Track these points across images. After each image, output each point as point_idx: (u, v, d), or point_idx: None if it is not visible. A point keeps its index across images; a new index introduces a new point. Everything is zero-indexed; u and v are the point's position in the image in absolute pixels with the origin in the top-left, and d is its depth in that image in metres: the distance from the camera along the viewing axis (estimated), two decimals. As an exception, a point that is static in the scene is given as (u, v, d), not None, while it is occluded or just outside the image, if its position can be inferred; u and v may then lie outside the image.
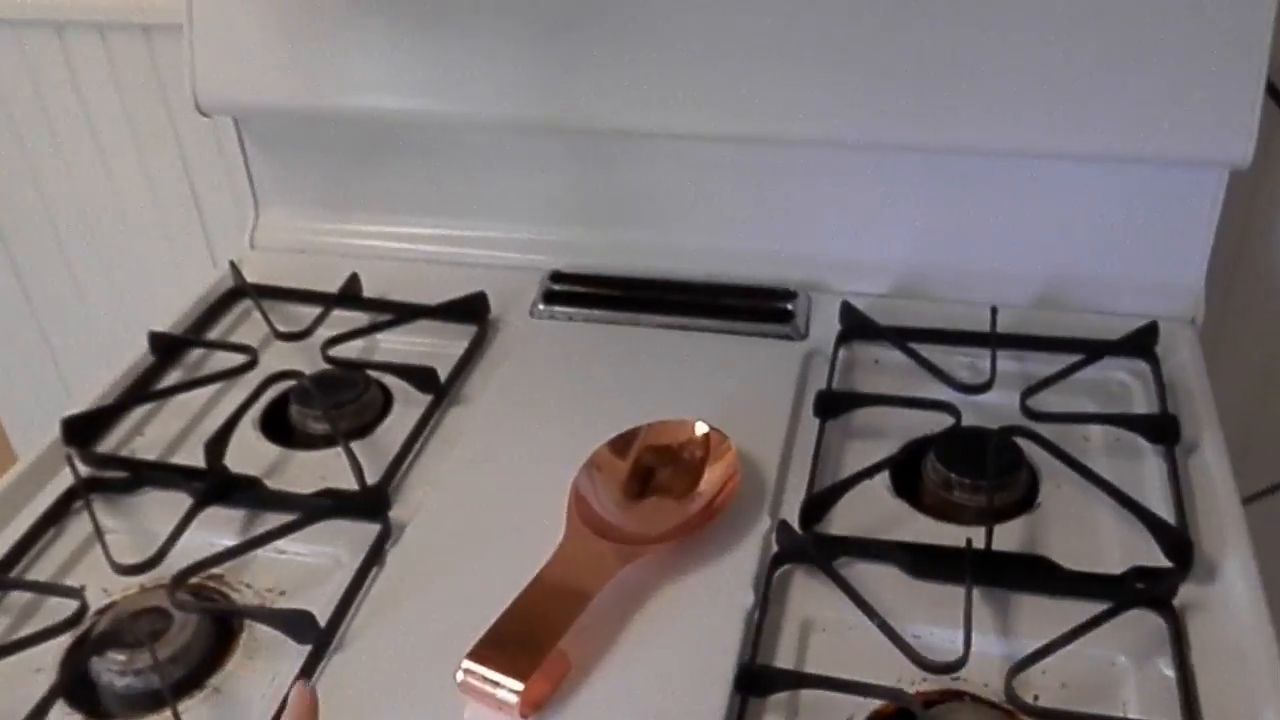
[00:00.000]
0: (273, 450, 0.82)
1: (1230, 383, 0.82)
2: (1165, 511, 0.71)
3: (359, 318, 0.93)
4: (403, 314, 0.92)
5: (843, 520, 0.73)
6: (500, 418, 0.83)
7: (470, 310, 0.92)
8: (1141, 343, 0.84)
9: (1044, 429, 0.76)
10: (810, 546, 0.69)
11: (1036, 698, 0.62)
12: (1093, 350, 0.83)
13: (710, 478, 0.73)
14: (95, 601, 0.70)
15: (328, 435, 0.82)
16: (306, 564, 0.72)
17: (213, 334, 0.95)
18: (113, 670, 0.64)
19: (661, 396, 0.82)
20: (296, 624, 0.65)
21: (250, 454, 0.81)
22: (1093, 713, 0.59)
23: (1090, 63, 0.81)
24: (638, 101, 0.88)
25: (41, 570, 0.73)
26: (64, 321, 1.32)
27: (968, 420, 0.78)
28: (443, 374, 0.85)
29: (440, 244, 1.01)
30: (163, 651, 0.64)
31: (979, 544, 0.69)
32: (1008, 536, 0.70)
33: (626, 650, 0.64)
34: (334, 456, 0.79)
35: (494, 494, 0.76)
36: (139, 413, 0.87)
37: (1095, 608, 0.64)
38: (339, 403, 0.84)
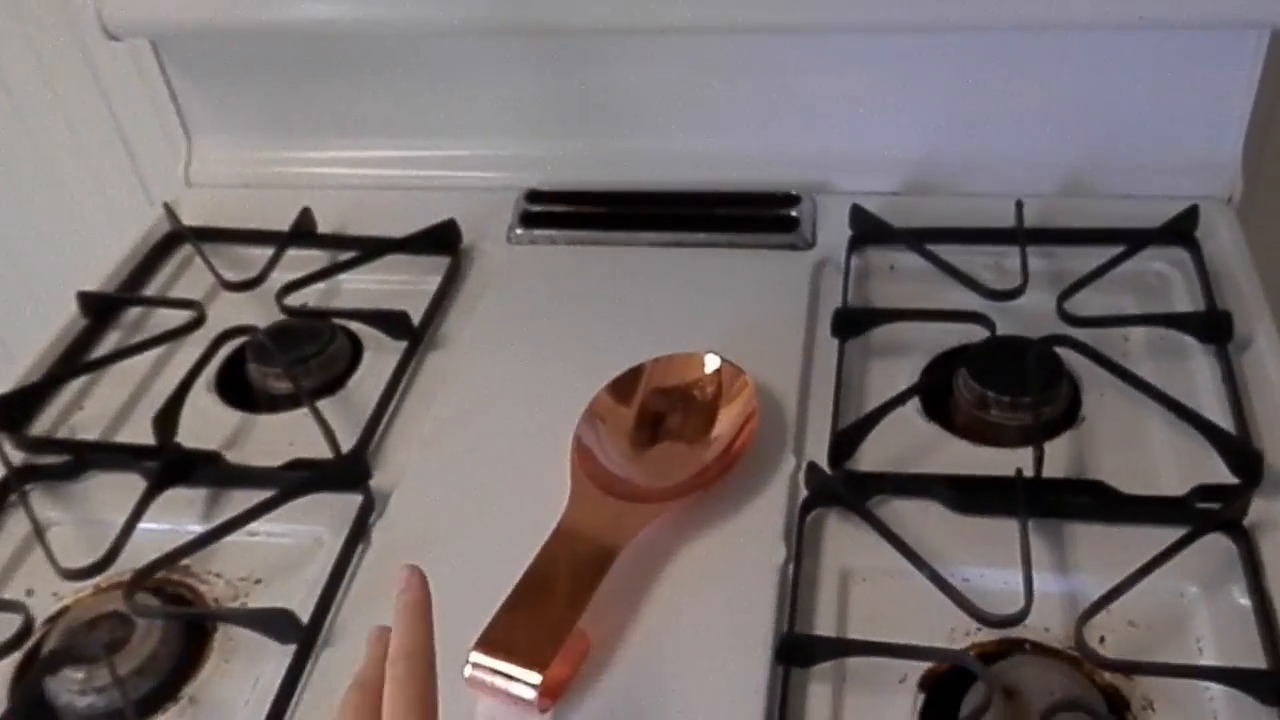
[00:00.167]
0: (233, 417, 0.75)
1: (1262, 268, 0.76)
2: (1223, 419, 0.66)
3: (316, 257, 0.86)
4: (365, 250, 0.85)
5: (873, 453, 0.67)
6: (484, 361, 0.76)
7: (440, 240, 0.85)
8: (1180, 229, 0.77)
9: (1084, 334, 0.70)
10: (843, 488, 0.63)
11: (1103, 639, 0.57)
12: (1133, 241, 0.76)
13: (726, 418, 0.67)
14: (43, 609, 0.63)
15: (293, 395, 0.74)
16: (283, 546, 0.66)
17: (151, 288, 0.87)
18: (71, 690, 0.57)
19: (660, 324, 0.76)
20: (276, 624, 0.58)
21: (207, 423, 0.74)
22: (1170, 663, 0.55)
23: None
24: (613, -6, 0.80)
25: (-25, 581, 0.66)
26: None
27: (1001, 329, 0.71)
28: (415, 316, 0.79)
29: (400, 167, 0.93)
30: (125, 664, 0.57)
31: (1024, 469, 0.63)
32: (1054, 458, 0.64)
33: (651, 623, 0.59)
34: (303, 418, 0.72)
35: (485, 451, 0.70)
36: (75, 386, 0.78)
37: (1159, 535, 0.59)
38: (301, 357, 0.76)
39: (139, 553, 0.63)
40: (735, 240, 0.83)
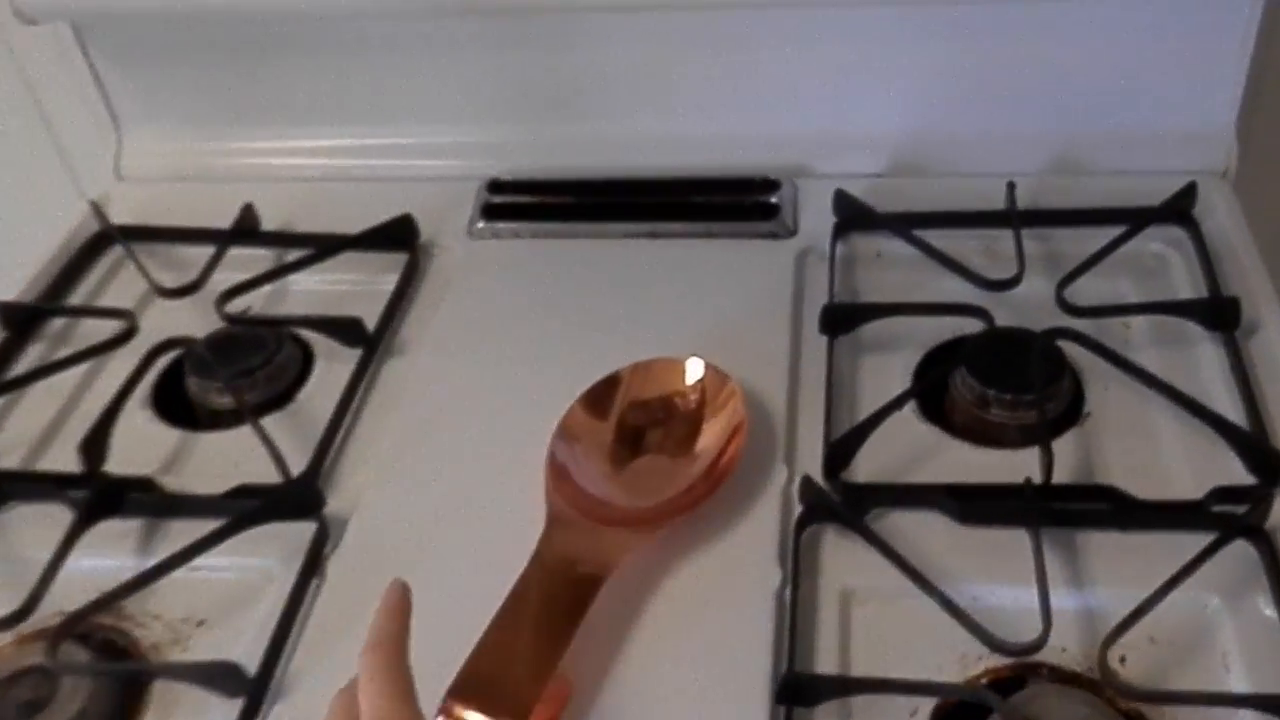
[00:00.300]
0: (171, 436, 0.70)
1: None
2: (1234, 411, 0.63)
3: (260, 257, 0.81)
4: (314, 248, 0.79)
5: (869, 460, 0.63)
6: (446, 369, 0.72)
7: (396, 236, 0.80)
8: (1178, 207, 0.73)
9: (1086, 325, 0.67)
10: (839, 503, 0.59)
11: (1124, 659, 0.53)
12: (1131, 221, 0.72)
13: (712, 430, 0.62)
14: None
15: (238, 410, 0.69)
16: (228, 581, 0.61)
17: (77, 296, 0.81)
18: (-7, 759, 0.51)
19: (635, 323, 0.72)
20: (220, 678, 0.53)
21: (142, 445, 0.69)
22: (1201, 690, 0.51)
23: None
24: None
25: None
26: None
27: (997, 320, 0.67)
28: (370, 320, 0.74)
29: (351, 156, 0.88)
30: (49, 728, 0.52)
31: (1030, 473, 0.59)
32: (1061, 459, 0.60)
33: (638, 662, 0.54)
34: (250, 435, 0.67)
35: (450, 470, 0.65)
36: (-7, 407, 0.73)
37: (1177, 541, 0.56)
38: (246, 369, 0.71)
39: (66, 595, 0.58)
40: (712, 229, 0.79)
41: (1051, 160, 0.80)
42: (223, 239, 0.80)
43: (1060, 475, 0.59)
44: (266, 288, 0.78)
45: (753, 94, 0.82)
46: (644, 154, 0.84)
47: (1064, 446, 0.62)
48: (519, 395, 0.68)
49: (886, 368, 0.68)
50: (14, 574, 0.60)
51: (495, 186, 0.84)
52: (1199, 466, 0.60)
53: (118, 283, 0.82)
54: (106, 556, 0.61)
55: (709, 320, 0.71)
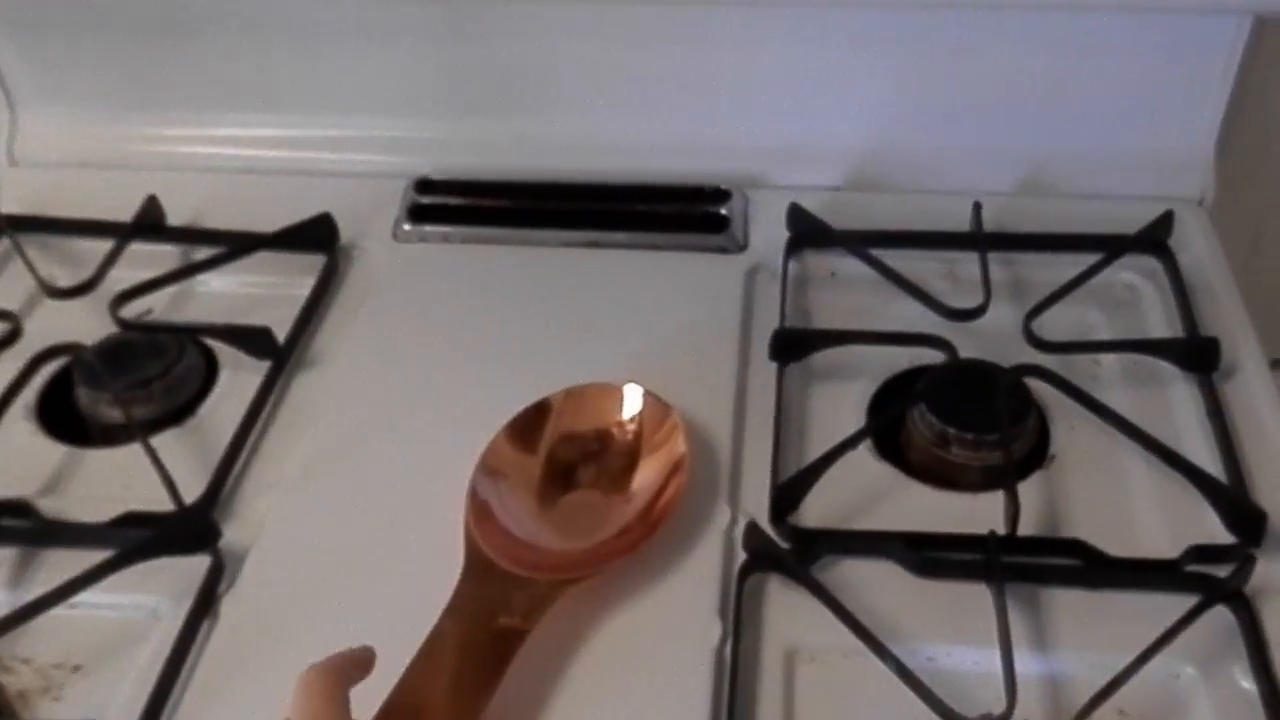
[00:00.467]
0: (56, 453, 0.64)
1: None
2: (1210, 460, 0.60)
3: (164, 255, 0.76)
4: (223, 247, 0.74)
5: (819, 500, 0.58)
6: (362, 385, 0.67)
7: (313, 237, 0.75)
8: (1154, 236, 0.70)
9: (1054, 361, 0.63)
10: (786, 553, 0.55)
11: None
12: (1104, 250, 0.69)
13: (651, 467, 0.57)
14: None
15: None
16: (109, 621, 0.55)
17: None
18: None
19: (570, 340, 0.68)
20: (90, 743, 0.47)
21: (23, 461, 0.63)
22: None
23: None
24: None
25: None
26: None
27: (959, 349, 0.64)
28: (282, 329, 0.69)
29: (268, 148, 0.83)
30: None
31: (993, 519, 0.55)
32: (1025, 505, 0.56)
33: (563, 727, 0.50)
34: (144, 453, 0.61)
35: (362, 499, 0.60)
36: None
37: (1148, 601, 0.53)
38: (141, 380, 0.66)
39: (-79, 638, 0.52)
40: (657, 241, 0.75)
41: (1020, 180, 0.78)
42: (123, 233, 0.75)
43: (1024, 524, 0.55)
44: (170, 289, 0.73)
45: (705, 97, 0.79)
46: (586, 157, 0.81)
47: (1027, 492, 0.58)
48: (442, 416, 0.64)
49: (840, 398, 0.64)
50: None
51: (424, 186, 0.81)
52: (1172, 519, 0.57)
53: (2, 280, 0.76)
54: (-28, 591, 0.56)
55: (650, 340, 0.67)
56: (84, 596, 0.54)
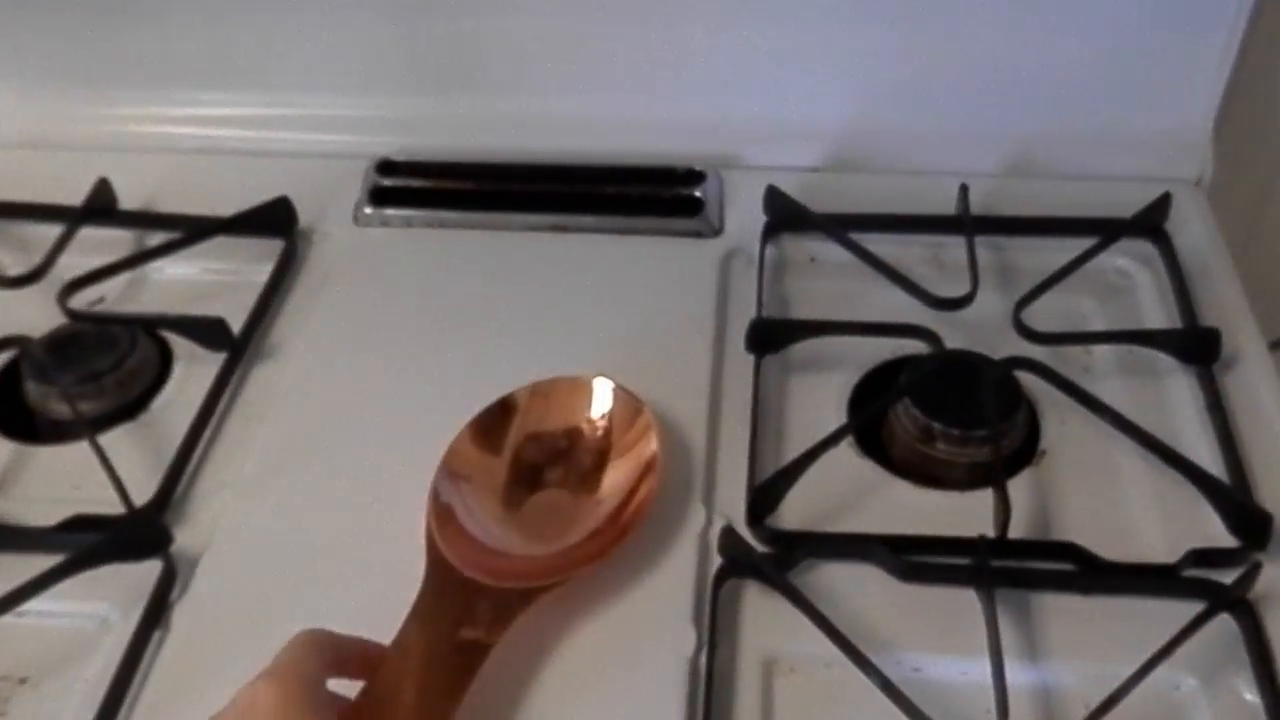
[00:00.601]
0: (3, 449, 0.62)
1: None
2: (1210, 457, 0.57)
3: (116, 241, 0.73)
4: (178, 232, 0.72)
5: (798, 498, 0.56)
6: (322, 378, 0.64)
7: (271, 221, 0.73)
8: (1150, 220, 0.68)
9: (1045, 353, 0.61)
10: (764, 558, 0.52)
11: None
12: (1098, 234, 0.66)
13: (622, 467, 0.55)
14: None
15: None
16: (56, 630, 0.53)
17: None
18: None
19: (538, 329, 0.66)
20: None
21: None
22: None
23: None
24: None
25: None
26: None
27: (945, 340, 0.62)
28: (239, 318, 0.66)
29: (223, 127, 0.81)
30: None
31: (981, 519, 0.53)
32: (1014, 505, 0.54)
33: (526, 747, 0.48)
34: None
35: (321, 499, 0.58)
36: None
37: (1144, 607, 0.51)
38: (92, 373, 0.63)
39: None
40: (628, 225, 0.73)
41: (1009, 160, 0.75)
42: (73, 218, 0.73)
43: (1014, 526, 0.53)
44: (123, 276, 0.70)
45: (677, 73, 0.76)
46: (554, 136, 0.78)
47: (1017, 490, 0.55)
48: (404, 411, 0.61)
49: (820, 391, 0.62)
50: None
51: (385, 167, 0.79)
52: (1170, 521, 0.55)
53: (-56, 267, 0.73)
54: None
55: (621, 330, 0.65)
56: (30, 604, 0.52)
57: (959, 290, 0.63)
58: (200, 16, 0.77)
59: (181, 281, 0.71)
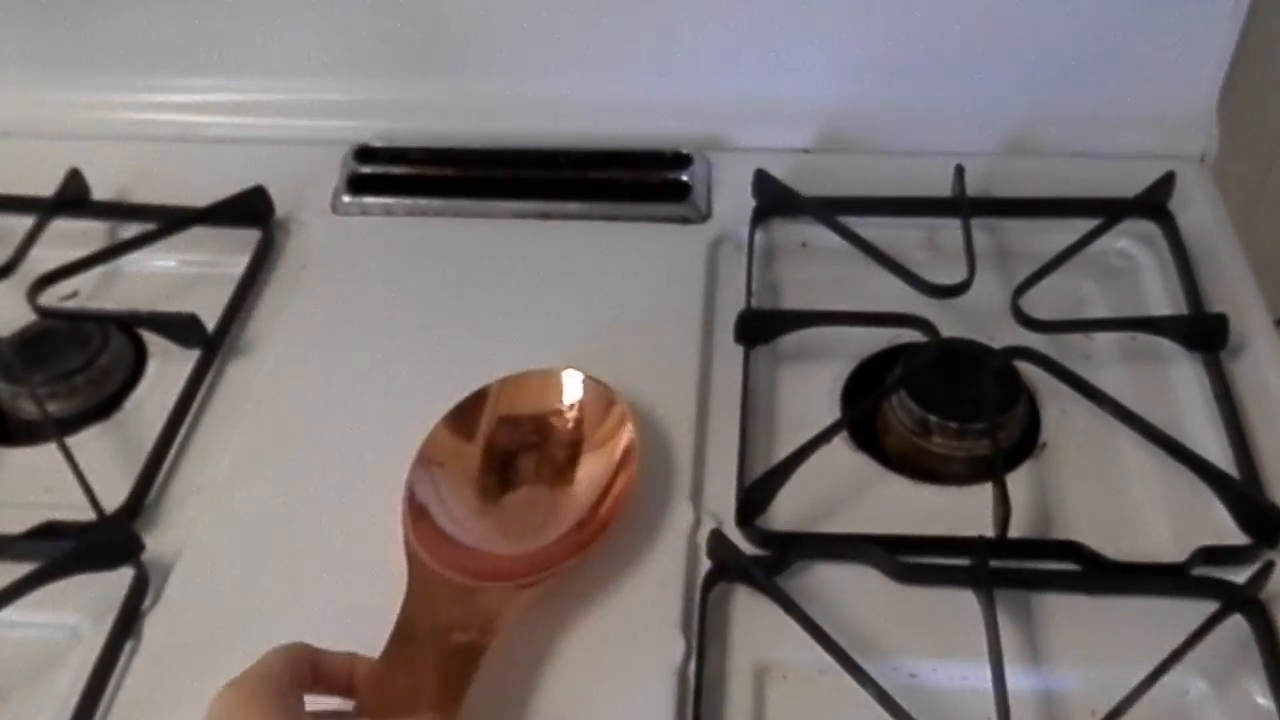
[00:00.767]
0: None
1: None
2: (1218, 448, 0.56)
3: (89, 233, 0.72)
4: (152, 223, 0.71)
5: (790, 495, 0.54)
6: (300, 373, 0.63)
7: (246, 211, 0.71)
8: (1153, 200, 0.66)
9: (1045, 342, 0.59)
10: (754, 562, 0.50)
11: None
12: (1099, 215, 0.64)
13: (597, 461, 0.54)
14: None
15: (56, 420, 0.60)
16: (26, 642, 0.53)
17: None
18: None
19: (522, 321, 0.65)
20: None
21: None
22: None
23: None
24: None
25: None
26: None
27: (940, 328, 0.60)
28: (215, 310, 0.65)
29: (196, 113, 0.80)
30: None
31: (979, 515, 0.52)
32: (1015, 501, 0.52)
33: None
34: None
35: (295, 504, 0.57)
36: None
37: (1155, 610, 0.49)
38: (63, 372, 0.62)
39: None
40: (614, 211, 0.71)
41: (1006, 139, 0.73)
42: (44, 209, 0.72)
43: (1015, 523, 0.51)
44: (96, 270, 0.69)
45: (662, 52, 0.75)
46: (537, 120, 0.77)
47: (1017, 484, 0.54)
48: (383, 408, 0.60)
49: (811, 382, 0.60)
50: None
51: (364, 154, 0.77)
52: (1177, 517, 0.54)
53: (-90, 261, 0.72)
54: None
55: (606, 320, 0.63)
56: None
57: (955, 276, 0.61)
58: (172, 0, 0.75)
59: (157, 274, 0.70)
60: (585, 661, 0.49)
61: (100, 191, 0.74)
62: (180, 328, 0.63)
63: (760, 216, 0.68)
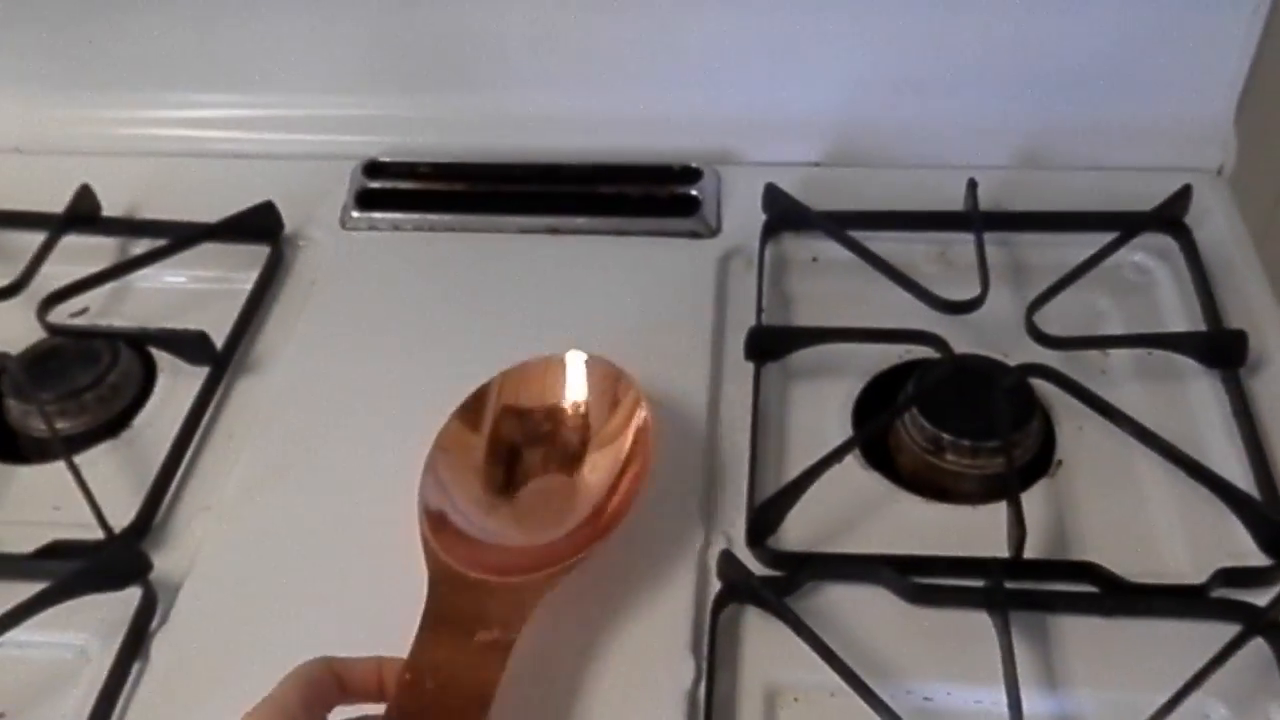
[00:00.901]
0: None
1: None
2: (1237, 466, 0.55)
3: (99, 249, 0.72)
4: (163, 239, 0.71)
5: (801, 515, 0.54)
6: (309, 390, 0.63)
7: (256, 227, 0.71)
8: (1170, 213, 0.65)
9: (1060, 359, 0.59)
10: (764, 583, 0.50)
11: None
12: (1119, 228, 0.64)
13: (610, 446, 0.54)
14: None
15: (66, 438, 0.60)
16: (32, 662, 0.52)
17: None
18: None
19: (531, 337, 0.64)
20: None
21: None
22: None
23: None
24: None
25: None
26: None
27: (953, 344, 0.59)
28: (224, 327, 0.66)
29: (206, 128, 0.80)
30: None
31: (994, 535, 0.51)
32: (1029, 521, 0.51)
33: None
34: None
35: (304, 522, 0.57)
36: None
37: (1174, 633, 0.49)
38: (72, 390, 0.62)
39: None
40: (622, 225, 0.71)
41: (1019, 152, 0.73)
42: (55, 226, 0.72)
43: (1030, 544, 0.51)
44: (106, 287, 0.69)
45: (672, 67, 0.75)
46: (545, 135, 0.77)
47: (1031, 503, 0.53)
48: (391, 424, 0.60)
49: (823, 399, 0.60)
50: None
51: (373, 169, 0.77)
52: (1196, 537, 0.53)
53: (-79, 281, 0.73)
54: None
55: (616, 335, 0.62)
56: (5, 636, 0.50)
57: (968, 291, 0.61)
58: (182, 16, 0.76)
59: (166, 290, 0.70)
60: (595, 683, 0.49)
61: (111, 208, 0.75)
62: (189, 345, 0.63)
63: (770, 231, 0.68)
